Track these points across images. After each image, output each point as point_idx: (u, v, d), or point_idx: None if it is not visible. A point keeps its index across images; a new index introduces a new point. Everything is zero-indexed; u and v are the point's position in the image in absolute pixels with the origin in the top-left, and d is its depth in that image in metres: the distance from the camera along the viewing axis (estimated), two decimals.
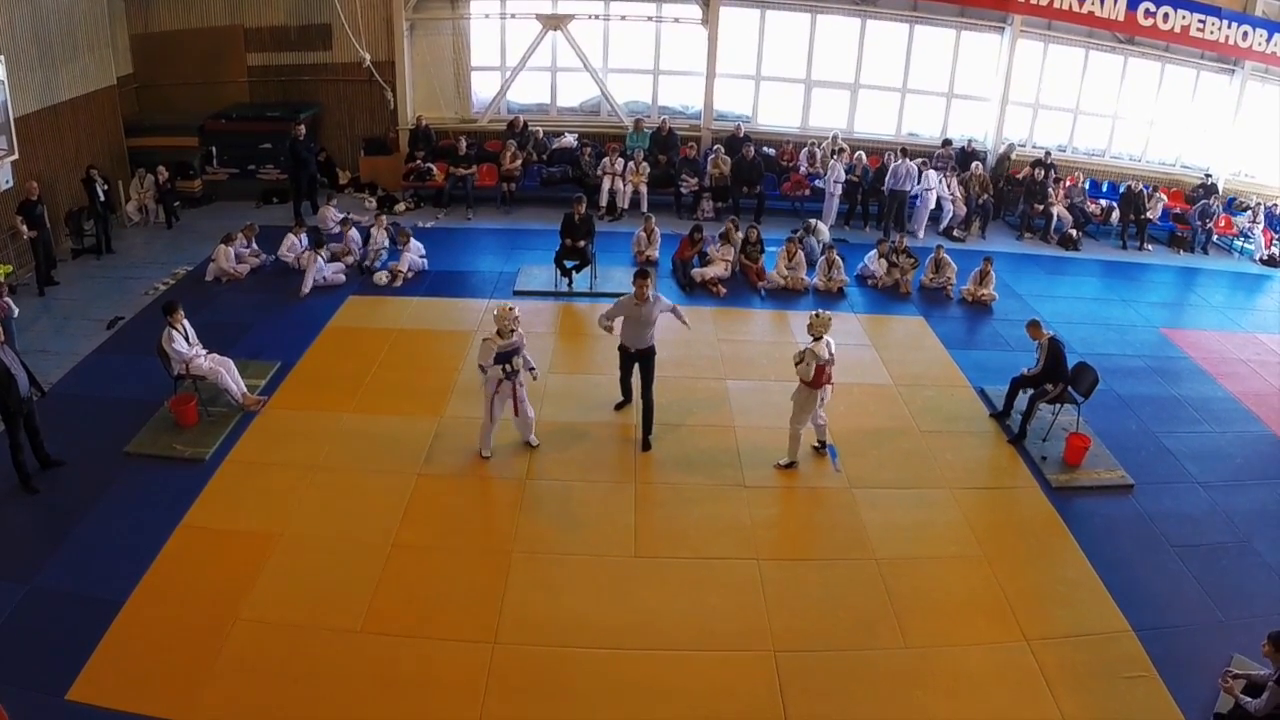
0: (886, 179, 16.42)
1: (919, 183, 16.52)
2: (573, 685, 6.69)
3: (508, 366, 8.69)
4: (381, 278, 13.52)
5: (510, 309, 8.79)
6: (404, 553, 7.94)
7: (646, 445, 9.72)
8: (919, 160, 16.75)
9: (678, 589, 7.68)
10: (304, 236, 13.70)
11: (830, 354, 9.08)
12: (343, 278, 13.56)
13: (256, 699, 6.41)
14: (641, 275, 9.49)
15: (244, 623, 7.06)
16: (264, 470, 9.03)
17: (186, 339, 9.73)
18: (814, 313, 9.21)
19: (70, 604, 7.14)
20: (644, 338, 9.63)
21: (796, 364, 9.13)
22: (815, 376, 9.03)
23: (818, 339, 9.00)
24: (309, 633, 7.01)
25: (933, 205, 16.82)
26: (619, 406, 10.39)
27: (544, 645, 7.03)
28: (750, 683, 6.79)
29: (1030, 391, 10.24)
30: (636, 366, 9.79)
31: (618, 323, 9.75)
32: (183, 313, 9.79)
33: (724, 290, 13.69)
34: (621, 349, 9.83)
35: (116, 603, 7.14)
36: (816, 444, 9.73)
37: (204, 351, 9.92)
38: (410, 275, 13.69)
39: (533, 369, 9.27)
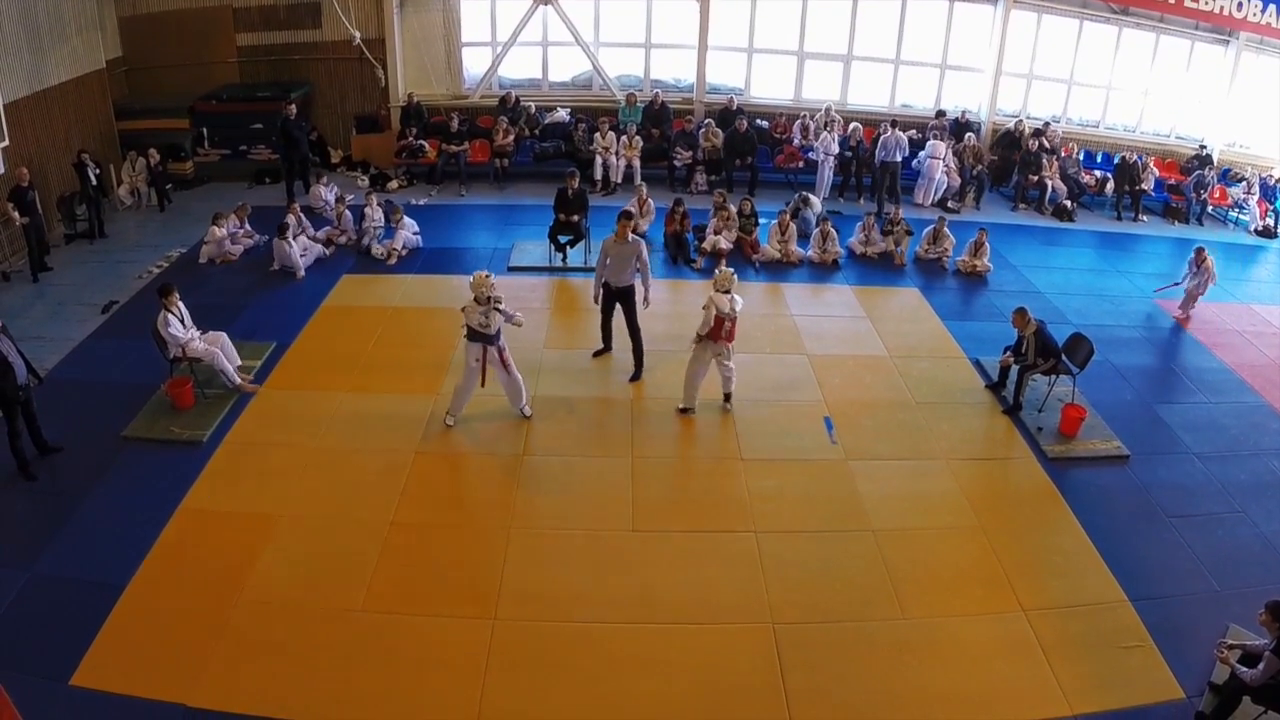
0: (877, 151, 16.38)
1: (922, 150, 16.51)
2: (572, 659, 6.73)
3: (484, 320, 8.83)
4: (379, 250, 13.57)
5: (486, 276, 8.90)
6: (403, 531, 7.97)
7: (635, 376, 10.40)
8: (911, 131, 16.68)
9: (675, 562, 7.72)
10: (302, 216, 13.72)
11: (733, 310, 9.20)
12: (317, 249, 13.61)
13: (258, 679, 6.44)
14: (625, 216, 10.20)
15: (245, 604, 7.09)
16: (262, 451, 9.04)
17: (182, 321, 9.69)
18: (719, 268, 9.54)
19: (72, 590, 7.15)
20: (620, 275, 10.12)
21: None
22: (714, 328, 9.16)
23: (724, 292, 9.16)
24: (309, 612, 7.04)
25: (937, 175, 16.75)
26: (597, 354, 10.76)
27: (543, 620, 7.06)
28: (748, 654, 6.83)
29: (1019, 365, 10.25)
30: (618, 307, 10.33)
31: (599, 280, 10.30)
32: (178, 295, 9.74)
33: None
34: (605, 286, 10.28)
35: (118, 587, 7.16)
36: (724, 397, 9.86)
37: (199, 334, 9.91)
38: (404, 253, 13.67)
39: (512, 315, 9.07)
